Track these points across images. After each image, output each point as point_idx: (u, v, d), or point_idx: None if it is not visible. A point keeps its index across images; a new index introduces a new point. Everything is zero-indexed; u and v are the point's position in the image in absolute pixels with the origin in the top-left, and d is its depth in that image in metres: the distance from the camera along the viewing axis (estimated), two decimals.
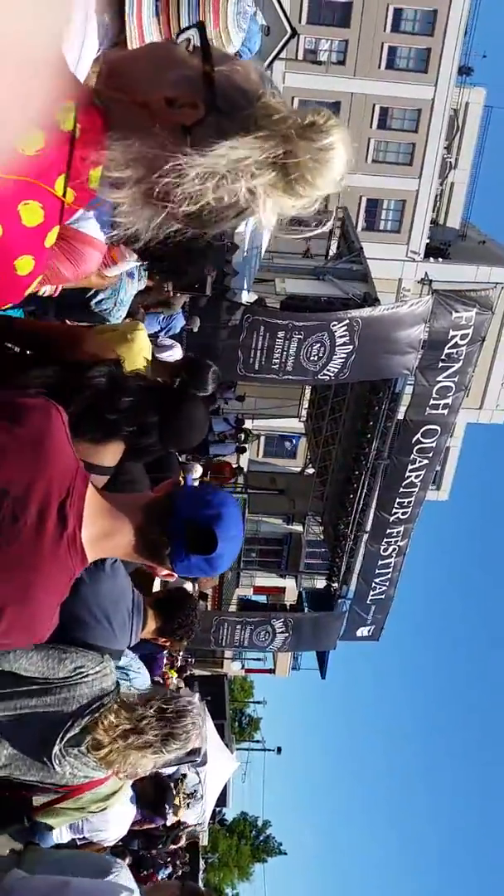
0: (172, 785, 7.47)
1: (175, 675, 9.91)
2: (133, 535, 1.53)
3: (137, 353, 2.97)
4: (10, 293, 1.20)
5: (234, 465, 16.39)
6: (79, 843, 3.83)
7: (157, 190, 1.15)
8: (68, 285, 2.11)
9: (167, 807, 6.26)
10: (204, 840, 20.74)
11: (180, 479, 7.23)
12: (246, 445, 16.92)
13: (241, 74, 1.16)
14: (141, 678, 2.97)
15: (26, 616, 1.44)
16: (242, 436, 15.29)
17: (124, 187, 1.18)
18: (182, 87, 1.14)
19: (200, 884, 18.79)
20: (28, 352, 2.21)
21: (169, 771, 7.12)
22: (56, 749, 2.12)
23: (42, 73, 0.95)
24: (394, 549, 13.18)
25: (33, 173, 1.09)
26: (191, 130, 1.13)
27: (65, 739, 2.12)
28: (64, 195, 1.14)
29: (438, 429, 11.41)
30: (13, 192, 1.08)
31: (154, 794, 5.83)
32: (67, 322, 3.21)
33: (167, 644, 3.42)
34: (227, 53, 1.21)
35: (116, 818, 3.54)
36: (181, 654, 10.82)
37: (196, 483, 8.85)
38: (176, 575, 1.64)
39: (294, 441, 24.37)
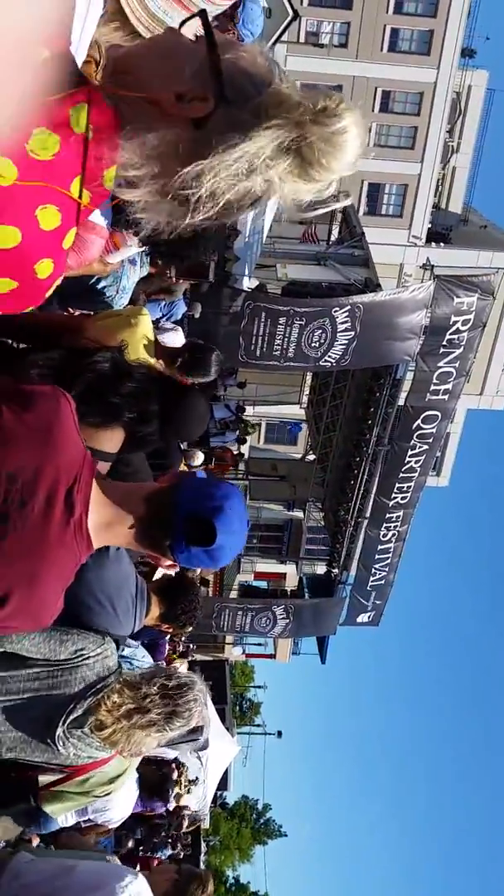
0: (174, 767, 7.55)
1: (178, 659, 9.96)
2: (135, 525, 1.54)
3: (140, 339, 2.97)
4: (32, 297, 1.21)
5: (236, 452, 16.41)
6: (83, 825, 3.88)
7: (173, 186, 1.15)
8: (70, 273, 2.11)
9: (169, 790, 6.34)
10: (205, 823, 20.94)
11: (184, 467, 7.24)
12: (247, 438, 16.88)
13: (247, 60, 1.15)
14: (140, 652, 2.99)
15: (32, 601, 1.45)
16: (243, 426, 15.26)
17: (140, 185, 1.18)
18: (190, 81, 1.13)
19: (202, 866, 18.96)
20: (30, 346, 2.22)
21: (170, 755, 7.19)
22: (59, 731, 2.15)
23: (37, 59, 0.95)
24: (393, 535, 13.20)
25: (49, 178, 1.09)
26: (202, 124, 1.13)
27: (68, 721, 2.15)
28: (80, 197, 1.15)
29: (439, 414, 11.40)
30: (30, 198, 1.09)
31: (156, 779, 5.91)
32: (70, 310, 3.20)
33: (170, 630, 3.44)
34: (232, 40, 1.19)
35: (121, 799, 3.58)
36: (183, 639, 10.88)
37: (198, 470, 8.85)
38: (180, 566, 1.66)
39: (296, 429, 24.36)
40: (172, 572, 3.05)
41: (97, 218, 1.59)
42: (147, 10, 1.37)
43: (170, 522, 1.52)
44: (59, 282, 1.24)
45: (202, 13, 1.19)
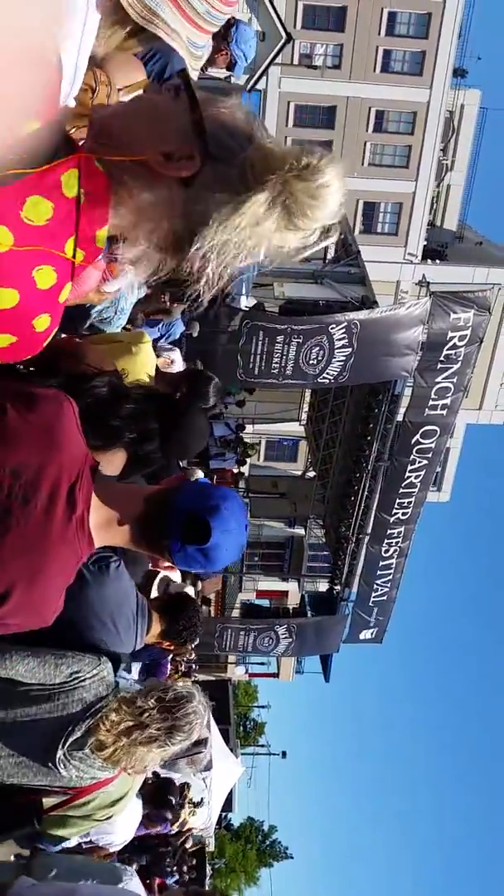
0: (178, 788, 7.49)
1: (180, 678, 9.90)
2: (134, 524, 1.57)
3: (142, 367, 3.00)
4: (30, 349, 1.28)
5: (236, 472, 16.42)
6: (84, 847, 3.86)
7: (166, 242, 1.21)
8: (68, 303, 2.15)
9: (172, 799, 6.28)
10: (211, 846, 20.69)
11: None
12: (247, 460, 16.87)
13: (227, 115, 1.20)
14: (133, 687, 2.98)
15: (34, 597, 1.47)
16: (243, 448, 15.27)
17: (134, 244, 1.25)
18: (176, 140, 1.18)
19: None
20: (31, 369, 2.25)
21: (175, 776, 7.14)
22: (60, 754, 2.14)
23: (35, 68, 0.99)
24: (395, 551, 13.19)
25: (44, 241, 1.15)
26: (191, 182, 1.18)
27: (67, 743, 2.14)
28: (74, 256, 1.21)
29: (438, 429, 11.44)
30: (26, 261, 1.15)
31: (154, 789, 5.87)
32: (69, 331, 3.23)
33: (171, 648, 3.44)
34: (212, 95, 1.24)
35: (123, 823, 3.56)
36: (185, 659, 10.83)
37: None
38: (178, 567, 1.68)
39: (289, 442, 24.40)
40: (173, 573, 3.05)
41: None
42: None
43: (167, 521, 1.55)
44: (54, 333, 1.30)
45: (182, 72, 1.24)
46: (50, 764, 2.16)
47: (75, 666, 2.18)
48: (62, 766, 2.16)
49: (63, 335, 3.25)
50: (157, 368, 3.62)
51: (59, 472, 1.45)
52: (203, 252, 1.18)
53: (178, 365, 5.24)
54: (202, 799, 11.33)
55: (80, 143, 1.24)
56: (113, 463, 2.18)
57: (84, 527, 1.49)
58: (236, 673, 26.65)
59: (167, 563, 1.62)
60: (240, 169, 1.17)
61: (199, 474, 9.27)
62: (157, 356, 4.09)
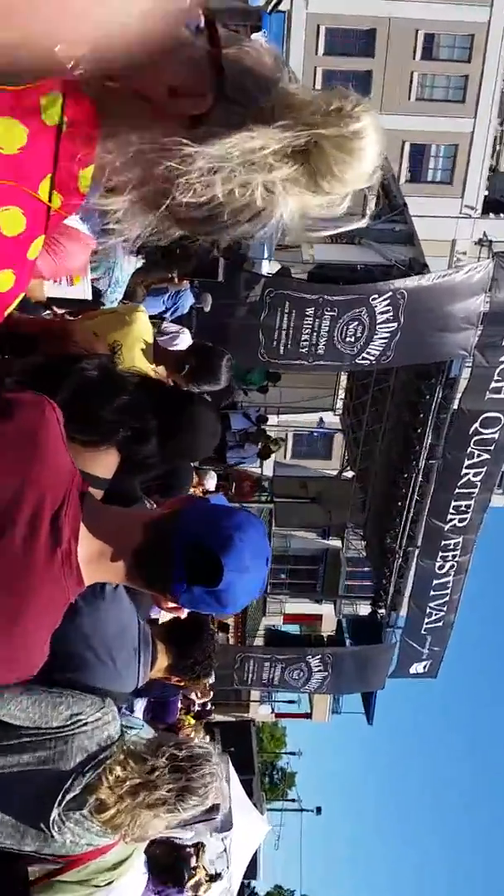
0: (193, 850, 7.54)
1: (191, 721, 9.95)
2: (130, 557, 1.54)
3: (136, 340, 3.00)
4: None
5: (257, 477, 16.36)
6: None
7: (157, 193, 1.18)
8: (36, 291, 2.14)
9: (185, 873, 6.34)
10: None
11: (198, 491, 7.23)
12: (270, 454, 16.81)
13: (252, 58, 1.18)
14: (145, 732, 3.00)
15: (15, 645, 1.46)
16: (265, 444, 15.24)
17: (121, 192, 1.21)
18: (187, 74, 1.16)
19: None
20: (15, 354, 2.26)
21: (187, 836, 7.18)
22: (54, 814, 2.13)
23: None
24: (452, 566, 13.12)
25: (14, 175, 1.12)
26: (197, 123, 1.15)
27: (64, 801, 2.14)
28: (50, 200, 1.18)
29: (502, 418, 11.37)
30: None
31: (169, 860, 5.92)
32: (54, 310, 3.25)
33: (182, 684, 3.44)
34: (237, 35, 1.21)
35: (127, 888, 3.59)
36: (199, 694, 10.87)
37: (214, 496, 8.87)
38: (184, 610, 1.65)
39: (320, 433, 24.16)
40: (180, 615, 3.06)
41: (80, 225, 1.61)
42: None
43: (169, 556, 1.51)
44: (20, 299, 1.26)
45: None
46: (42, 825, 2.15)
47: (76, 707, 2.18)
48: (56, 828, 2.15)
49: (48, 313, 3.28)
50: (158, 345, 3.61)
51: (40, 496, 1.43)
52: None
53: (186, 345, 5.24)
54: (220, 874, 11.33)
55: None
56: (105, 463, 2.17)
57: (71, 560, 1.47)
58: (260, 713, 26.72)
59: (171, 604, 1.59)
60: (256, 115, 1.14)
61: (213, 479, 9.31)
62: (160, 338, 4.09)
